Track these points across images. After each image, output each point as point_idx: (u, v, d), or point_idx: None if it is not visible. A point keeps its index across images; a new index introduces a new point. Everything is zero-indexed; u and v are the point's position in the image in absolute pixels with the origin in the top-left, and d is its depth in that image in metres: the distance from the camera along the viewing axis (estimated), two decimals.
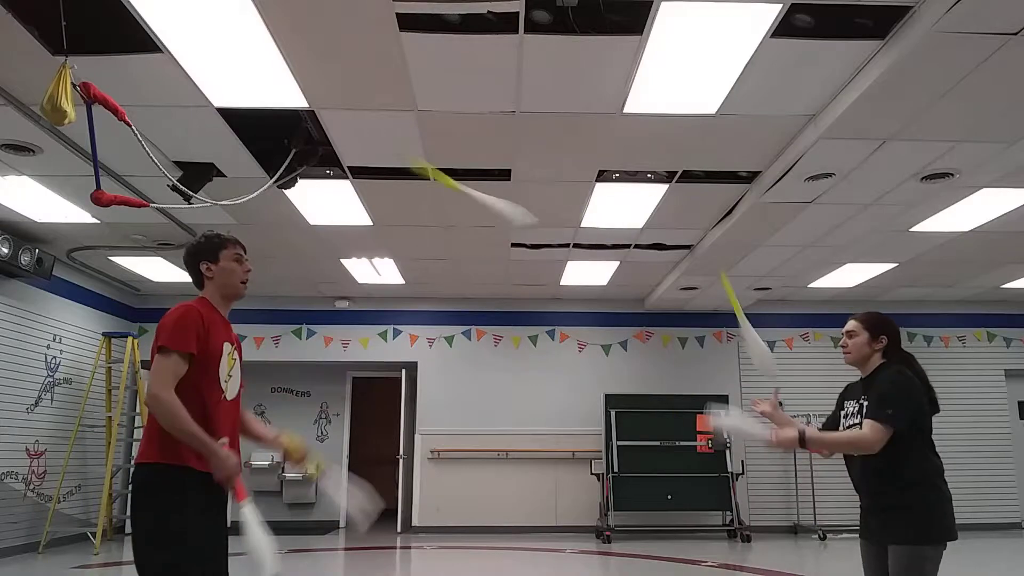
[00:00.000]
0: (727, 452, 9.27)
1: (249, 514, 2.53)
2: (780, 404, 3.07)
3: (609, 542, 8.83)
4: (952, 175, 5.59)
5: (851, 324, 2.99)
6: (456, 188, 3.34)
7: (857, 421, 2.84)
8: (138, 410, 9.53)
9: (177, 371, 2.54)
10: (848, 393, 3.03)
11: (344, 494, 2.88)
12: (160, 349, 2.55)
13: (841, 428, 2.96)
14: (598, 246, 7.85)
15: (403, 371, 10.24)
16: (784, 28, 3.84)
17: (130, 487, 2.70)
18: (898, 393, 2.74)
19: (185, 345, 2.56)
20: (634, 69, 4.26)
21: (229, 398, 2.73)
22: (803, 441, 2.73)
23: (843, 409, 2.99)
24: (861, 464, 2.80)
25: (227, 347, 2.74)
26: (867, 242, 7.38)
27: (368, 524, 3.05)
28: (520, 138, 5.22)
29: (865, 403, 2.83)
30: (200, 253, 2.81)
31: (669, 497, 9.14)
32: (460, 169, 5.76)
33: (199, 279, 2.82)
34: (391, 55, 4.13)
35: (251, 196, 5.33)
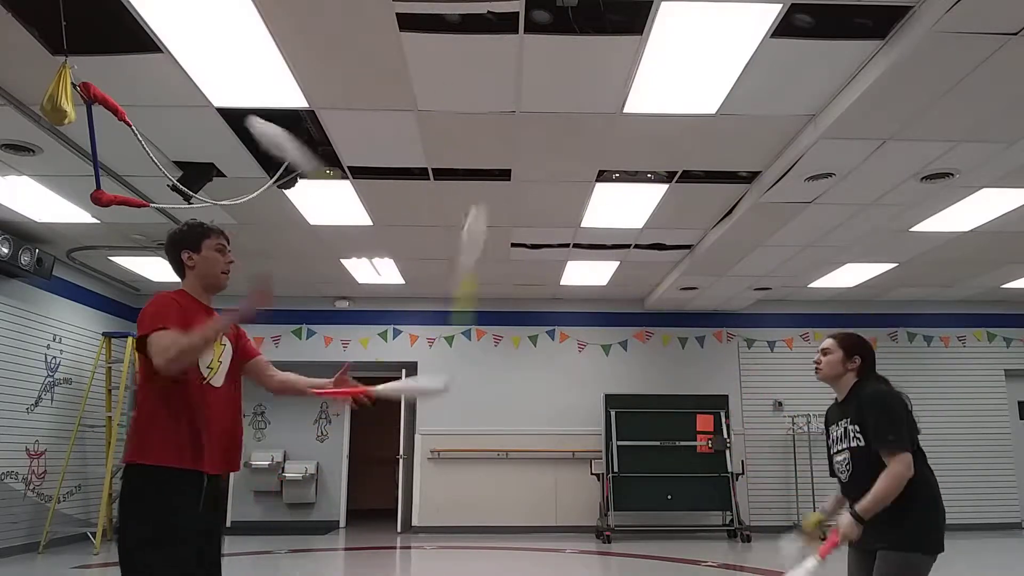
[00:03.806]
0: (727, 452, 9.27)
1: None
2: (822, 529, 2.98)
3: (609, 542, 8.83)
4: (952, 175, 5.59)
5: (827, 342, 2.99)
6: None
7: (845, 447, 2.83)
8: None
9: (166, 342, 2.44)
10: (829, 418, 3.02)
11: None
12: (143, 339, 2.48)
13: (831, 453, 2.97)
14: (598, 246, 7.84)
15: (403, 371, 10.23)
16: (784, 28, 3.85)
17: (119, 489, 2.63)
18: (885, 414, 2.71)
19: (164, 322, 2.47)
20: (634, 69, 4.26)
21: (215, 385, 2.63)
22: (859, 518, 2.67)
23: (830, 437, 2.99)
24: (867, 481, 2.71)
25: None
26: (867, 242, 7.38)
27: None
28: (520, 138, 5.22)
29: (849, 427, 2.81)
30: (182, 241, 2.73)
31: (669, 497, 9.13)
32: (460, 169, 5.77)
33: (180, 268, 2.75)
34: (391, 55, 4.13)
35: (251, 196, 5.32)
